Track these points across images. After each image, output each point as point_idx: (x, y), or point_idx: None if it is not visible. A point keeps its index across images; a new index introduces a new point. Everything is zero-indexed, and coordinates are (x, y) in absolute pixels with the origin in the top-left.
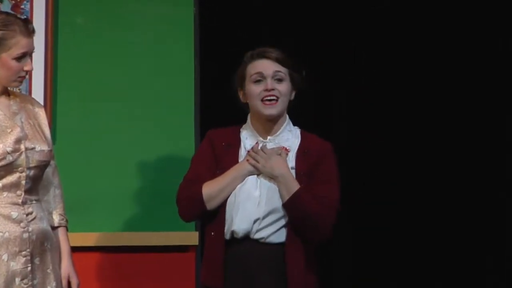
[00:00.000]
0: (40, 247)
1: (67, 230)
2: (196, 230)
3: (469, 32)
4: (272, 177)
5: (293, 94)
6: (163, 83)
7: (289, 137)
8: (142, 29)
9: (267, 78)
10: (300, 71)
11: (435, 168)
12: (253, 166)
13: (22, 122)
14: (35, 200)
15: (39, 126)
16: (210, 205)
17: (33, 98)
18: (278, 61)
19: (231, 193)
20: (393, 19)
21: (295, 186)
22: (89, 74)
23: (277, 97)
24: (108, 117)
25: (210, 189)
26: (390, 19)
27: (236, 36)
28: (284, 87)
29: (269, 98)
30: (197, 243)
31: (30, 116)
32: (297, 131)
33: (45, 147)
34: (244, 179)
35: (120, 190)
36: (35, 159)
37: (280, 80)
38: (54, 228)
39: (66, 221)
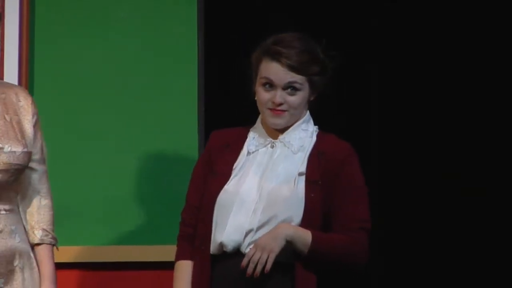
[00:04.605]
0: (6, 266)
1: (54, 248)
2: None
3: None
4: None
5: (314, 95)
6: (161, 71)
7: (302, 136)
8: (136, 5)
9: (277, 88)
10: (327, 71)
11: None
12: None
13: None
14: (6, 210)
15: (19, 123)
16: None
17: (21, 90)
18: (294, 69)
19: None
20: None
21: (306, 234)
22: (72, 59)
23: (285, 110)
24: (95, 112)
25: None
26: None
27: (244, 19)
28: (297, 99)
29: (276, 109)
30: None
31: (9, 110)
32: (313, 130)
33: (18, 148)
34: None
35: (109, 197)
36: (1, 161)
37: (293, 90)
38: (36, 245)
39: (53, 238)
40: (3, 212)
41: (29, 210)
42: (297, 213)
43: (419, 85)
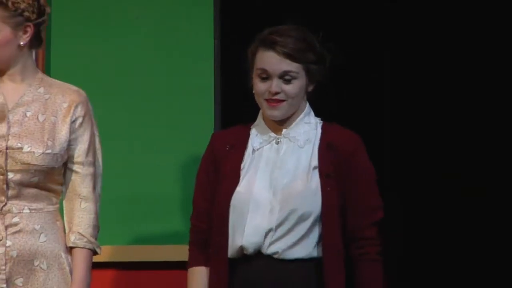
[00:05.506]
0: (25, 266)
1: (92, 253)
2: None
3: None
4: None
5: (312, 86)
6: (177, 70)
7: (306, 129)
8: (152, 4)
9: (272, 78)
10: (323, 59)
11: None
12: None
13: (24, 116)
14: (31, 209)
15: (53, 124)
16: None
17: (71, 91)
18: (289, 57)
19: None
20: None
21: None
22: (88, 59)
23: (283, 100)
24: (110, 111)
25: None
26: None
27: (260, 17)
28: (293, 88)
29: (273, 99)
30: None
31: (47, 111)
32: (317, 122)
33: (39, 149)
34: None
35: (124, 197)
36: (20, 161)
37: (290, 79)
38: (71, 248)
39: (88, 242)
40: (26, 210)
41: (69, 212)
42: (315, 208)
43: (418, 86)
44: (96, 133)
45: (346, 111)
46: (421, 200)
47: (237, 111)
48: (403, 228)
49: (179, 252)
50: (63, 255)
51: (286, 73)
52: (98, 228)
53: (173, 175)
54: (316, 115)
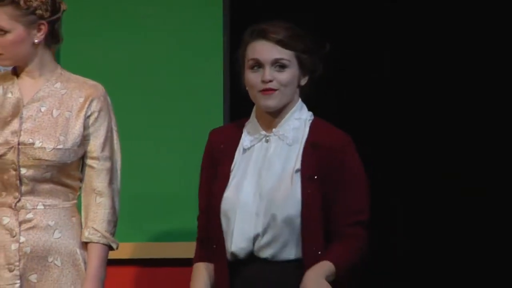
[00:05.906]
0: (39, 262)
1: (107, 248)
2: None
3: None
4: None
5: (305, 79)
6: (186, 68)
7: (296, 125)
8: (162, 2)
9: (265, 66)
10: (315, 51)
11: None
12: None
13: (38, 111)
14: (45, 206)
15: (67, 119)
16: None
17: (88, 86)
18: (281, 44)
19: None
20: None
21: (327, 267)
22: (97, 57)
23: (275, 89)
24: (119, 110)
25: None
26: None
27: (269, 15)
28: (286, 76)
29: (266, 88)
30: None
31: (61, 106)
32: (307, 119)
33: (50, 145)
34: None
35: (136, 195)
36: (32, 156)
37: (282, 67)
38: (86, 243)
39: (102, 237)
40: (40, 206)
41: (85, 208)
42: (296, 212)
43: (418, 86)
44: (115, 128)
45: (346, 111)
46: (421, 200)
47: (247, 109)
48: (403, 228)
49: (192, 249)
50: (78, 251)
51: (278, 60)
52: (115, 223)
53: (181, 173)
54: (316, 115)
